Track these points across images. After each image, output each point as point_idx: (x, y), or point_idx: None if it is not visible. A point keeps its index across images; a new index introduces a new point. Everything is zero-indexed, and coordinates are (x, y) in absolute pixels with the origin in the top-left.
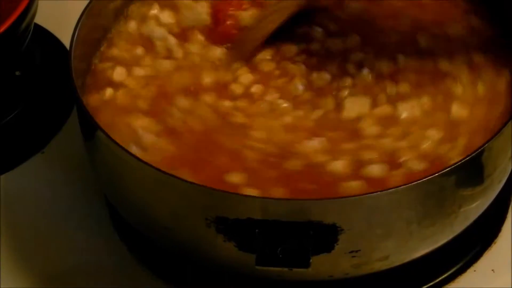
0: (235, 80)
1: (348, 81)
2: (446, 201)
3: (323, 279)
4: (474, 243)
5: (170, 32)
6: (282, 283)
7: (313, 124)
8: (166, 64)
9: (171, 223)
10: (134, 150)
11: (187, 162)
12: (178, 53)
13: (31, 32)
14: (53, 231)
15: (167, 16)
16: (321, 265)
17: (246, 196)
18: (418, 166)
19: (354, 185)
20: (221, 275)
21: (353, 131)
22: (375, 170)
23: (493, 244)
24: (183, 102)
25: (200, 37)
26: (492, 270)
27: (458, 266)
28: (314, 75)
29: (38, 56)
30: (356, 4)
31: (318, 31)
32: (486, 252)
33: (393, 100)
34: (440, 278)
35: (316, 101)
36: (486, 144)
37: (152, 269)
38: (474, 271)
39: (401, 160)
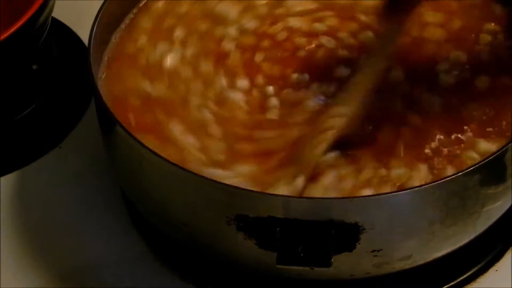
0: None
1: None
2: (469, 201)
3: (344, 278)
4: (496, 242)
5: None
6: (303, 282)
7: None
8: None
9: (190, 220)
10: None
11: None
12: None
13: (48, 26)
14: (70, 226)
15: None
16: (342, 264)
17: (267, 194)
18: None
19: None
20: (240, 273)
21: None
22: None
23: None
24: None
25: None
26: None
27: (479, 266)
28: None
29: (55, 50)
30: None
31: None
32: (507, 252)
33: None
34: (461, 278)
35: None
36: (510, 144)
37: (170, 265)
38: (496, 270)
39: None
